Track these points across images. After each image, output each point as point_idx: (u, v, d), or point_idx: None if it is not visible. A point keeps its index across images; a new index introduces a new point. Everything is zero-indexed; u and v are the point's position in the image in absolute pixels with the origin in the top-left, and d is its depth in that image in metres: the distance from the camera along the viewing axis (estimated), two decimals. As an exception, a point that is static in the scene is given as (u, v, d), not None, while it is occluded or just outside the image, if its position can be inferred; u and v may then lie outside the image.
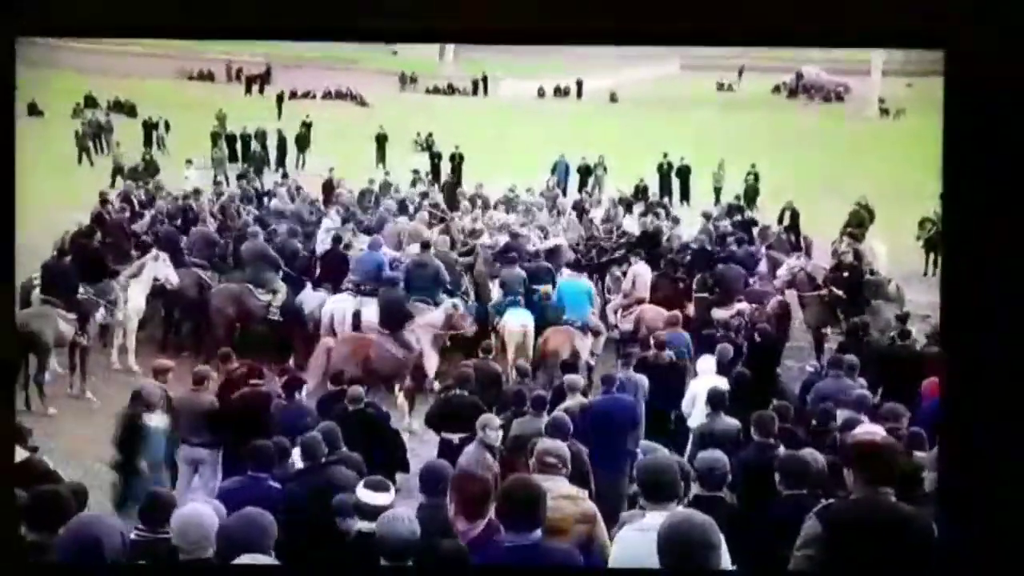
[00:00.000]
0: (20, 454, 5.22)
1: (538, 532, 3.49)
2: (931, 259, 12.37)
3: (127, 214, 11.55)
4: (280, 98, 21.23)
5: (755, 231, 12.34)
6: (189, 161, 14.86)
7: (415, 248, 10.28)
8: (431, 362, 9.04)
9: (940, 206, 12.42)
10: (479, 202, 13.20)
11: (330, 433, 5.62)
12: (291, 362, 9.07)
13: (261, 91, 22.65)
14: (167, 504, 4.31)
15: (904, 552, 3.49)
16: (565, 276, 10.09)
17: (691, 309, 10.06)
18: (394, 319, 9.01)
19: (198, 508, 3.80)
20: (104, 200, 11.65)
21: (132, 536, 4.07)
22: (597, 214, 13.12)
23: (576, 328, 9.29)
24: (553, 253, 10.90)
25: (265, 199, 13.34)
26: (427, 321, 9.09)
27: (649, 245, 11.20)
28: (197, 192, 12.59)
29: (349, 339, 8.97)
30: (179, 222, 11.46)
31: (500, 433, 6.01)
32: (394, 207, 12.45)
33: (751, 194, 15.17)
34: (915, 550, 3.51)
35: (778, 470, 4.77)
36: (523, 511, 3.47)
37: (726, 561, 3.39)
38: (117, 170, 15.12)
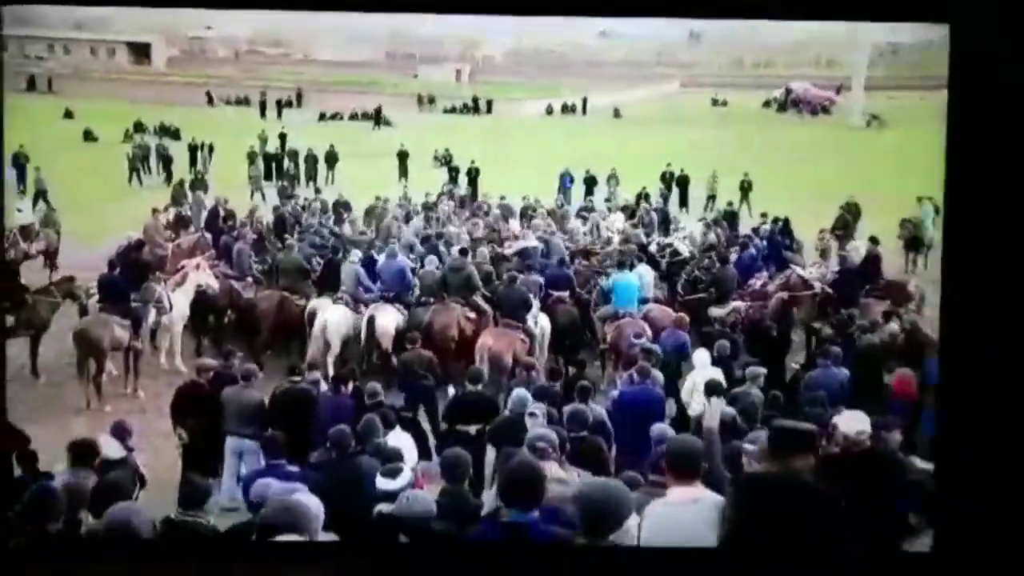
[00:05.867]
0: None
1: (535, 512, 3.54)
2: (910, 258, 12.68)
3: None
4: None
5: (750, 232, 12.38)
6: (22, 192, 13.78)
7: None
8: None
9: (921, 204, 12.50)
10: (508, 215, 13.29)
11: (371, 424, 5.74)
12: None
13: (278, 115, 22.80)
14: (203, 491, 4.50)
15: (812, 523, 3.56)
16: (616, 273, 9.96)
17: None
18: (520, 310, 9.18)
19: (304, 498, 3.84)
20: (155, 211, 11.86)
21: (172, 516, 4.37)
22: (614, 220, 13.19)
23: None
24: (524, 254, 10.88)
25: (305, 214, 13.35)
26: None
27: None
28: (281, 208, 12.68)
29: (499, 333, 8.98)
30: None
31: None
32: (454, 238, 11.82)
33: (743, 200, 15.23)
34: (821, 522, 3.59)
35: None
36: (526, 491, 3.53)
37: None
38: (38, 194, 13.43)
